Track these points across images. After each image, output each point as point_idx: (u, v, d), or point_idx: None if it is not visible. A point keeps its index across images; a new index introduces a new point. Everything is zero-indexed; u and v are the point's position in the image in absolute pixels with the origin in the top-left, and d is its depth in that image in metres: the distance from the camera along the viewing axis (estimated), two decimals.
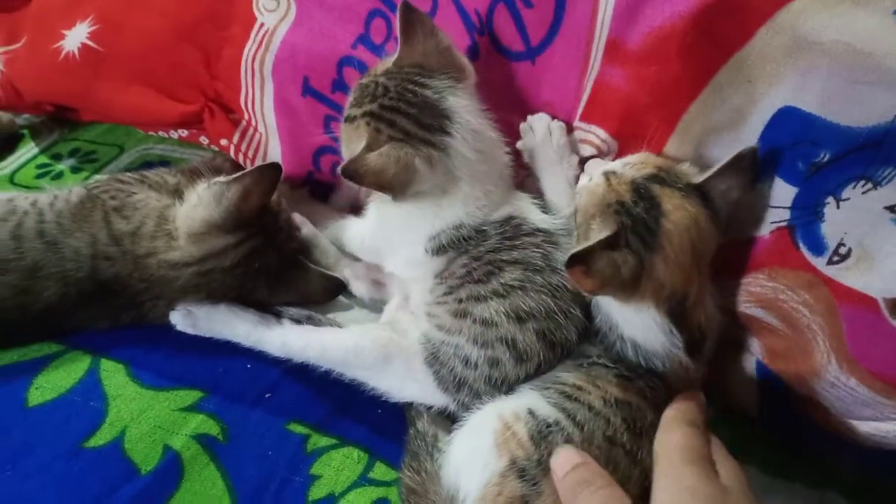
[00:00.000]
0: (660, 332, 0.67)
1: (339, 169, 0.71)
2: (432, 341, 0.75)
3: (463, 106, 0.75)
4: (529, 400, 0.68)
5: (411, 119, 0.73)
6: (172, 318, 0.81)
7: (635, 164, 0.71)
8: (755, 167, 0.71)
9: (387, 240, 0.82)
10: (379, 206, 0.81)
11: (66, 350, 0.82)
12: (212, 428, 0.76)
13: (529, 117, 0.80)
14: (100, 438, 0.74)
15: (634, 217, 0.67)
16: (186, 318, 0.81)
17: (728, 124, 0.74)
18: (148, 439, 0.74)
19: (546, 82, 0.80)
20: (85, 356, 0.81)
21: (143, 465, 0.72)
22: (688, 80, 0.73)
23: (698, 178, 0.70)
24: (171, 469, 0.72)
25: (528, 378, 0.72)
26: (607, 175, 0.71)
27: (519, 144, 0.81)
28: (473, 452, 0.65)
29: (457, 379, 0.72)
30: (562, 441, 0.63)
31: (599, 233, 0.65)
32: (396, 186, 0.72)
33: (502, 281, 0.72)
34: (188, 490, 0.71)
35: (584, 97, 0.78)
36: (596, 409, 0.65)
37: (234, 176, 0.79)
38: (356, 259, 0.91)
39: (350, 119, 0.76)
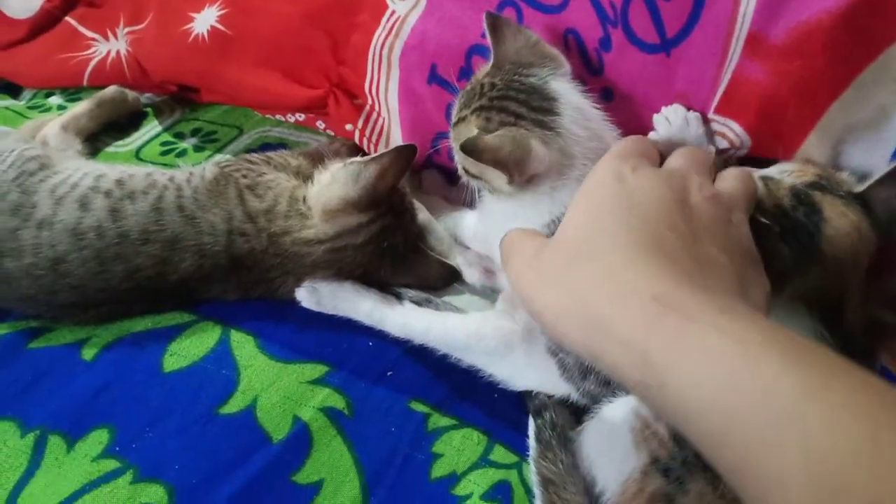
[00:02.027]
0: (811, 335, 0.66)
1: (459, 144, 0.71)
2: None
3: (566, 88, 0.76)
4: None
5: (521, 103, 0.74)
6: (298, 294, 0.84)
7: (794, 172, 0.71)
8: None
9: (500, 231, 0.82)
10: (492, 199, 0.81)
11: (198, 320, 0.85)
12: (338, 402, 0.78)
13: (664, 108, 0.80)
14: (233, 406, 0.76)
15: (795, 221, 0.66)
16: (311, 295, 0.83)
17: (870, 123, 0.73)
18: (278, 409, 0.76)
19: (680, 74, 0.79)
20: (216, 327, 0.84)
21: (275, 434, 0.74)
22: (832, 77, 0.71)
23: (859, 187, 0.69)
24: (301, 439, 0.74)
25: None
26: (765, 180, 0.70)
27: (652, 135, 0.81)
28: (610, 447, 0.65)
29: (584, 366, 0.72)
30: None
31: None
32: (512, 165, 0.71)
33: None
34: (317, 460, 0.73)
35: (721, 90, 0.77)
36: None
37: (372, 156, 0.82)
38: (468, 247, 0.93)
39: (460, 120, 0.77)
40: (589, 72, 0.84)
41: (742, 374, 0.39)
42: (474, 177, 0.76)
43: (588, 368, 0.72)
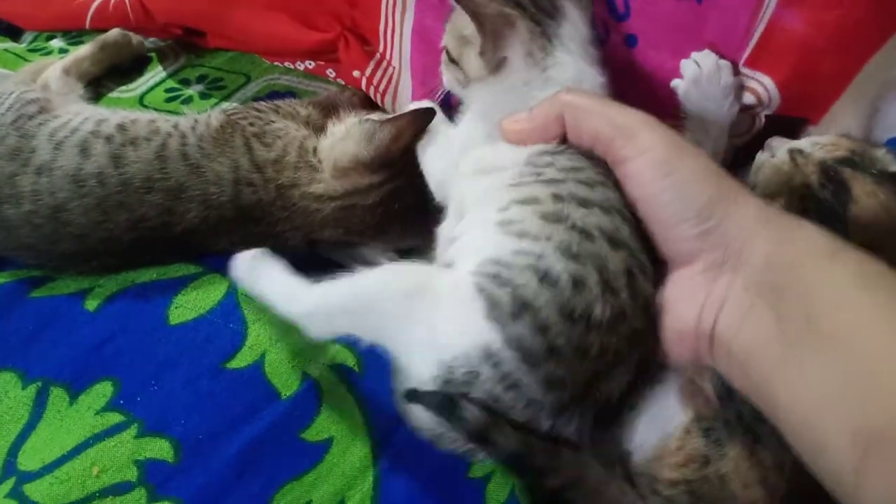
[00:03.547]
0: None
1: None
2: (499, 260, 0.59)
3: (578, 15, 0.71)
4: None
5: None
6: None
7: (825, 145, 0.68)
8: None
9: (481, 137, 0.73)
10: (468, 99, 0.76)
11: (204, 272, 0.82)
12: (348, 358, 0.75)
13: (694, 54, 0.76)
14: (241, 361, 0.74)
15: (821, 202, 0.63)
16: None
17: None
18: (287, 365, 0.74)
19: (711, 23, 0.75)
20: (222, 280, 0.81)
21: (284, 390, 0.72)
22: (874, 27, 0.68)
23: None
24: (310, 396, 0.72)
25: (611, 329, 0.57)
26: (793, 153, 0.67)
27: (676, 82, 0.77)
28: (657, 403, 0.63)
29: (520, 301, 0.56)
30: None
31: None
32: (489, 30, 0.67)
33: (607, 196, 0.61)
34: (327, 417, 0.71)
35: (753, 41, 0.73)
36: None
37: (389, 117, 0.79)
38: None
39: None
40: (614, 17, 0.80)
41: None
42: (453, 61, 0.73)
43: (526, 304, 0.56)
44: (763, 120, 0.78)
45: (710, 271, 0.55)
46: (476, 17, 0.67)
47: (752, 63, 0.74)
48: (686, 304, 0.57)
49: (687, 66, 0.75)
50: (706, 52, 0.75)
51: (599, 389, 0.58)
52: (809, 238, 0.52)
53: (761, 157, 0.72)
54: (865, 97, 0.72)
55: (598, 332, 0.56)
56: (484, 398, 0.56)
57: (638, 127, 0.59)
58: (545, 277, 0.57)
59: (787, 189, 0.65)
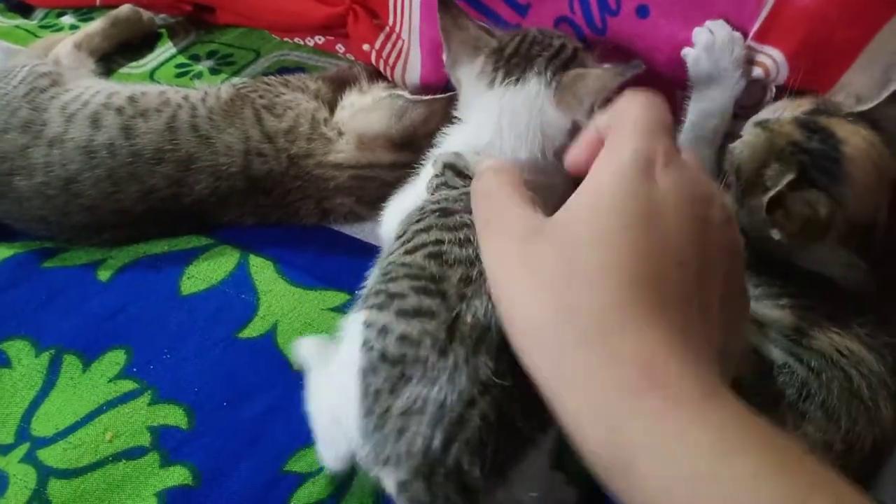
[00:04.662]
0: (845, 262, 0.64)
1: None
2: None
3: (536, 94, 0.68)
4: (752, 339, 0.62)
5: (516, 52, 0.70)
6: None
7: (788, 107, 0.67)
8: None
9: None
10: None
11: (215, 244, 0.83)
12: None
13: (709, 22, 0.75)
14: (253, 330, 0.75)
15: (813, 152, 0.62)
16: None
17: None
18: (299, 335, 0.74)
19: None
20: (234, 251, 0.82)
21: (296, 361, 0.73)
22: None
23: (863, 107, 0.66)
24: None
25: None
26: (760, 124, 0.66)
27: (687, 50, 0.76)
28: None
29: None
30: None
31: (780, 178, 0.62)
32: (453, 50, 0.71)
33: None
34: None
35: (764, 13, 0.72)
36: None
37: (423, 98, 0.80)
38: None
39: None
40: None
41: (716, 478, 0.34)
42: None
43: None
44: (774, 91, 0.78)
45: None
46: (444, 32, 0.70)
47: (762, 37, 0.73)
48: None
49: (700, 33, 0.74)
50: (721, 21, 0.74)
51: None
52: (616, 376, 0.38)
53: (731, 147, 0.71)
54: (878, 65, 0.70)
55: None
56: None
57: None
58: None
59: (774, 154, 0.64)
